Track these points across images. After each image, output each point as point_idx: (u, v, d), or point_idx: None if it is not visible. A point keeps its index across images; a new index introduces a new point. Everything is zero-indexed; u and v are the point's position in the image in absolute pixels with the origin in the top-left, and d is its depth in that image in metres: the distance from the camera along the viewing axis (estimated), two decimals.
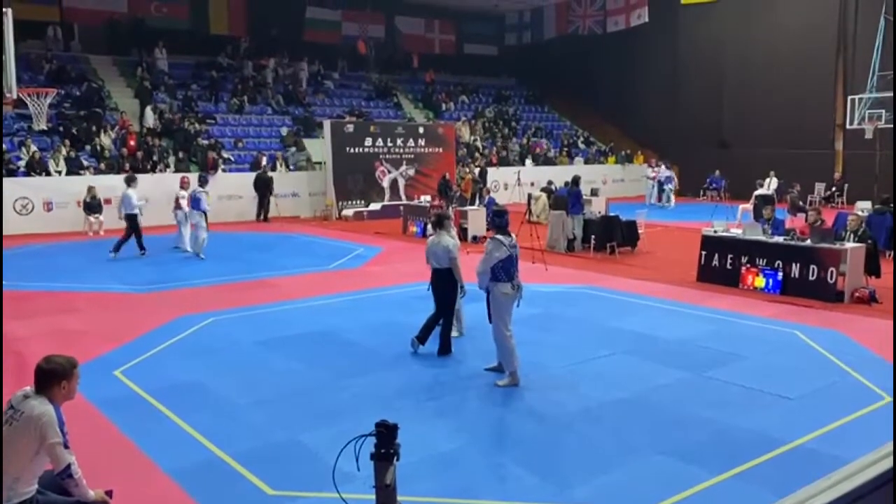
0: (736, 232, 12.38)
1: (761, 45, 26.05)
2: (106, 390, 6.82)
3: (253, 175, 21.51)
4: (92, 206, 17.94)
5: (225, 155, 22.39)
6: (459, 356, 8.00)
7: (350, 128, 22.77)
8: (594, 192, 20.70)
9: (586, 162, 29.49)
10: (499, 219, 7.31)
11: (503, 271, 6.97)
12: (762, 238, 11.67)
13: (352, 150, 22.39)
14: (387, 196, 22.96)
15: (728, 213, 17.64)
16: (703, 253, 12.24)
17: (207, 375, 7.38)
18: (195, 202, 14.54)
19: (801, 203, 19.95)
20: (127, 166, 20.10)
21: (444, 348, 8.02)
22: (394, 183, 23.30)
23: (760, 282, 11.33)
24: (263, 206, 21.24)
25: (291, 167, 23.05)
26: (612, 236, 15.02)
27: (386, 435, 3.36)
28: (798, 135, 24.70)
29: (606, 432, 5.99)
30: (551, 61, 33.19)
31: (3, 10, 10.78)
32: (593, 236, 15.14)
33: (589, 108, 33.18)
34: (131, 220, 14.47)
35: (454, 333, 8.62)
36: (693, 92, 28.52)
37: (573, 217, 15.47)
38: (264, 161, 22.29)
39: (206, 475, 5.22)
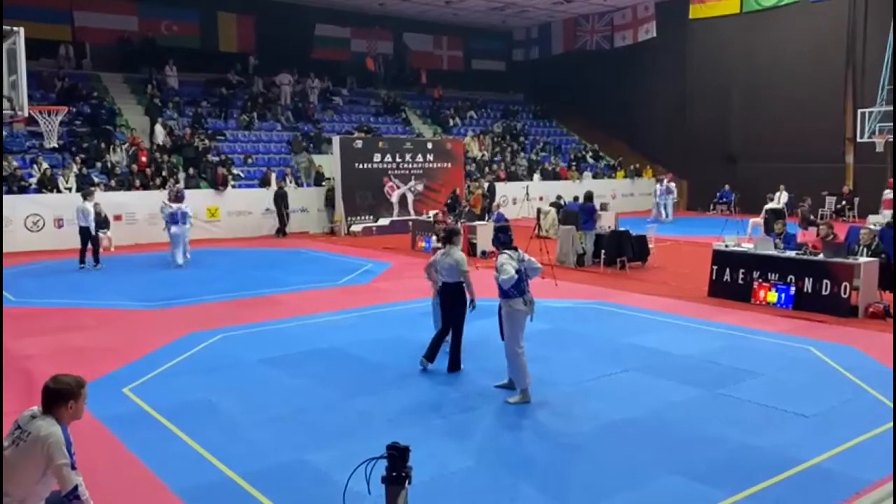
0: (747, 246, 12.29)
1: (770, 58, 26.02)
2: (115, 408, 6.79)
3: (263, 191, 21.64)
4: (98, 222, 17.92)
5: (235, 171, 22.49)
6: (468, 373, 7.94)
7: (359, 143, 22.83)
8: (603, 207, 20.55)
9: (595, 177, 29.46)
10: (503, 235, 7.30)
11: (514, 287, 6.94)
12: (774, 252, 11.59)
13: (360, 166, 22.44)
14: (395, 211, 22.98)
15: (738, 227, 17.56)
16: (715, 268, 12.16)
17: (216, 393, 7.34)
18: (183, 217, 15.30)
19: (812, 217, 19.82)
20: (137, 183, 20.20)
21: (454, 365, 7.96)
22: (402, 198, 23.32)
23: (773, 297, 11.23)
24: (282, 220, 21.59)
25: (304, 184, 23.10)
26: (622, 251, 14.95)
27: (398, 458, 3.31)
28: (808, 148, 24.60)
29: (618, 451, 5.91)
30: (559, 76, 33.25)
31: (16, 28, 10.88)
32: (603, 251, 15.07)
33: (597, 122, 33.19)
34: (83, 232, 15.15)
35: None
36: (702, 106, 28.49)
37: (585, 232, 15.42)
38: (273, 177, 22.38)
39: (216, 495, 5.18)
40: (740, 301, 11.47)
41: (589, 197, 15.80)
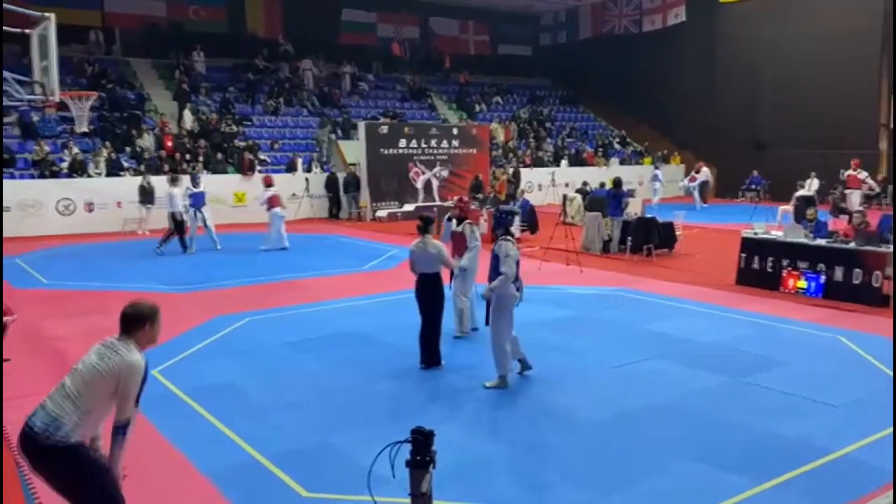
0: (777, 234, 12.12)
1: (801, 43, 25.50)
2: (145, 389, 6.89)
3: (289, 176, 21.83)
4: (147, 191, 18.15)
5: (261, 156, 22.64)
6: (489, 361, 7.91)
7: (384, 129, 22.84)
8: (630, 194, 20.43)
9: (622, 163, 29.19)
10: (507, 219, 7.25)
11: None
12: (804, 240, 11.42)
13: (386, 152, 22.46)
14: (420, 197, 22.98)
15: (768, 214, 17.31)
16: (743, 255, 12.01)
17: (242, 376, 7.44)
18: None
19: (843, 204, 19.46)
20: (166, 167, 20.42)
21: (434, 359, 7.60)
22: (427, 184, 23.31)
23: (802, 285, 11.07)
24: (336, 204, 22.45)
25: (326, 168, 23.23)
26: (648, 238, 14.82)
27: (422, 442, 3.32)
28: (840, 135, 24.10)
29: (642, 439, 5.88)
30: (586, 61, 32.90)
31: (47, 14, 11.01)
32: (629, 238, 14.95)
33: (624, 108, 32.83)
34: (174, 218, 15.11)
35: (457, 333, 8.63)
36: (731, 91, 28.04)
37: (612, 219, 15.30)
38: (300, 162, 22.54)
39: (242, 476, 5.25)
40: (769, 289, 11.33)
41: (617, 183, 15.67)
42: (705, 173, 26.34)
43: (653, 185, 25.70)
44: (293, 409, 6.58)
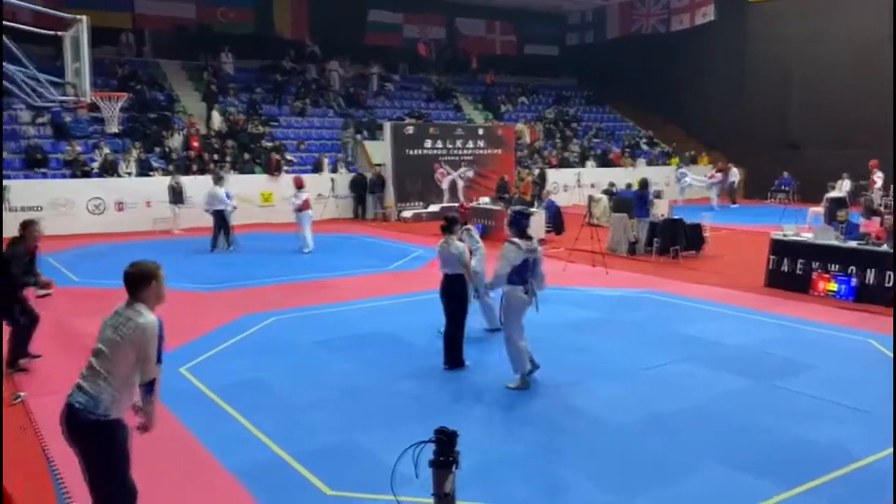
0: (807, 236, 11.94)
1: (832, 42, 25.07)
2: (171, 387, 6.95)
3: (315, 177, 21.96)
4: (176, 191, 18.44)
5: (288, 157, 22.82)
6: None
7: (410, 129, 22.89)
8: (657, 195, 20.24)
9: (649, 163, 28.95)
10: (521, 221, 7.08)
11: (516, 275, 6.85)
12: (835, 242, 11.23)
13: (411, 152, 22.50)
14: (446, 198, 22.99)
15: (797, 216, 17.05)
16: (772, 257, 11.85)
17: (268, 374, 7.51)
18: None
19: (875, 206, 19.11)
20: (194, 167, 20.66)
21: (456, 360, 7.61)
22: (453, 184, 23.31)
23: (833, 287, 10.89)
24: (362, 205, 22.53)
25: (352, 169, 23.34)
26: (675, 240, 14.68)
27: (445, 442, 3.32)
28: (873, 135, 23.64)
29: (668, 442, 5.83)
30: (613, 61, 32.67)
31: (80, 17, 11.21)
32: (656, 239, 14.82)
33: (652, 108, 32.56)
34: (218, 215, 15.50)
35: (486, 326, 8.70)
36: (761, 91, 27.66)
37: (638, 220, 15.18)
38: (326, 162, 22.68)
39: (267, 474, 5.30)
40: (798, 292, 11.16)
41: (644, 184, 15.55)
42: (734, 173, 26.04)
43: (678, 184, 25.47)
44: (318, 407, 6.62)
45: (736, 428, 6.08)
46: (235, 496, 4.99)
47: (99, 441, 3.86)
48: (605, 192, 21.23)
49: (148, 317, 3.91)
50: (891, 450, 5.53)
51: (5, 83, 11.24)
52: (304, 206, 15.54)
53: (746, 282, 12.07)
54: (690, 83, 29.86)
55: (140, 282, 4.00)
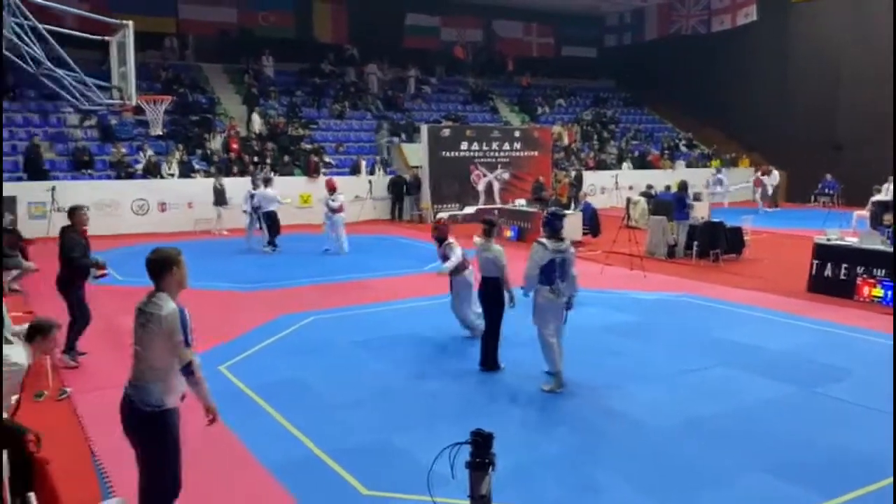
0: (851, 240, 11.68)
1: (878, 41, 24.43)
2: (211, 385, 7.04)
3: (352, 179, 22.17)
4: (220, 193, 18.83)
5: (326, 159, 23.05)
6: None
7: (446, 132, 22.93)
8: (697, 197, 20.02)
9: (688, 166, 28.56)
10: (554, 222, 7.11)
11: (543, 275, 6.90)
12: (881, 247, 10.97)
13: (447, 154, 22.53)
14: (481, 200, 22.98)
15: (842, 220, 16.68)
16: (815, 262, 11.62)
17: (306, 373, 7.60)
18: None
19: None
20: (235, 169, 20.99)
21: (491, 362, 7.64)
22: (489, 186, 23.28)
23: (878, 293, 10.63)
24: (399, 206, 22.62)
25: (390, 171, 23.48)
26: (715, 243, 14.47)
27: (482, 444, 3.34)
28: None
29: (707, 447, 5.76)
30: (652, 63, 32.32)
31: (126, 22, 11.50)
32: (696, 243, 14.63)
33: (691, 110, 32.11)
34: (269, 216, 15.71)
35: (465, 333, 8.71)
36: (804, 91, 27.09)
37: (677, 223, 15.00)
38: (364, 165, 22.86)
39: (304, 471, 5.37)
40: (842, 297, 10.92)
41: (683, 186, 15.37)
42: (775, 176, 25.56)
43: (714, 187, 25.06)
44: (355, 407, 6.68)
45: (776, 434, 5.98)
46: (273, 493, 5.07)
47: (153, 431, 4.02)
48: (644, 194, 21.02)
49: (168, 307, 4.00)
50: None
51: (55, 86, 11.59)
52: (340, 209, 15.65)
53: (788, 286, 11.84)
54: (731, 84, 29.38)
55: (162, 267, 4.10)
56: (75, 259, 7.67)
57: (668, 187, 20.27)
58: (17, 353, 4.59)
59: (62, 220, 17.55)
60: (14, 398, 4.73)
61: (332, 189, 15.95)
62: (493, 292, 7.64)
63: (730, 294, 11.49)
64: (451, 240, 8.95)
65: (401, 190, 22.63)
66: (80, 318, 7.82)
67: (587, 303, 10.00)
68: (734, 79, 29.27)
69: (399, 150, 24.39)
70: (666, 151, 29.48)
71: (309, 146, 23.22)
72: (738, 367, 7.74)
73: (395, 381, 7.41)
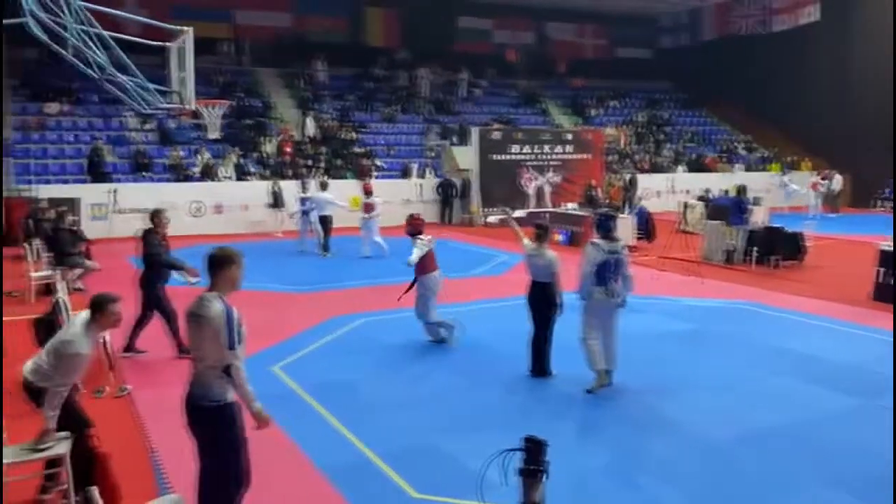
0: None
1: None
2: (264, 385, 7.13)
3: (402, 182, 22.29)
4: (276, 196, 19.23)
5: (377, 162, 23.23)
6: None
7: (496, 135, 22.86)
8: (756, 202, 19.49)
9: (747, 169, 27.88)
10: (606, 223, 7.15)
11: (596, 276, 6.91)
12: None
13: (497, 157, 22.45)
14: (532, 203, 22.83)
15: None
16: (880, 269, 11.19)
17: (356, 375, 7.64)
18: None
19: None
20: (290, 172, 21.32)
21: (541, 369, 7.55)
22: (539, 190, 23.12)
23: None
24: (448, 209, 22.52)
25: (439, 175, 23.53)
26: (774, 249, 14.06)
27: (535, 450, 3.28)
28: None
29: (766, 460, 5.57)
30: (709, 64, 31.63)
31: (185, 29, 11.79)
32: (755, 249, 14.23)
33: (750, 112, 31.35)
34: (324, 220, 15.74)
35: (444, 334, 8.66)
36: (868, 93, 26.15)
37: (735, 228, 14.64)
38: (414, 168, 22.96)
39: (354, 473, 5.39)
40: None
41: (741, 190, 15.00)
42: (837, 181, 24.77)
43: (784, 190, 24.41)
44: (404, 409, 6.68)
45: (838, 448, 5.76)
46: (323, 493, 5.10)
47: (216, 426, 4.12)
48: (700, 198, 20.59)
49: (214, 307, 4.07)
50: None
51: (117, 91, 11.94)
52: (368, 209, 15.64)
53: (851, 295, 11.43)
54: (792, 85, 28.57)
55: (221, 263, 4.19)
56: (158, 260, 7.96)
57: (725, 191, 19.82)
58: (80, 341, 4.69)
59: (122, 222, 18.13)
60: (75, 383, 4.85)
61: (368, 192, 16.03)
62: (543, 297, 7.56)
63: (790, 302, 11.15)
64: (423, 236, 8.94)
65: (449, 193, 22.64)
66: (166, 316, 8.06)
67: (641, 309, 9.82)
68: (795, 79, 28.47)
69: (449, 153, 24.40)
70: (723, 154, 28.84)
71: (360, 150, 23.43)
72: (797, 377, 7.49)
73: (444, 384, 7.39)
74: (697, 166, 27.53)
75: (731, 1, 29.94)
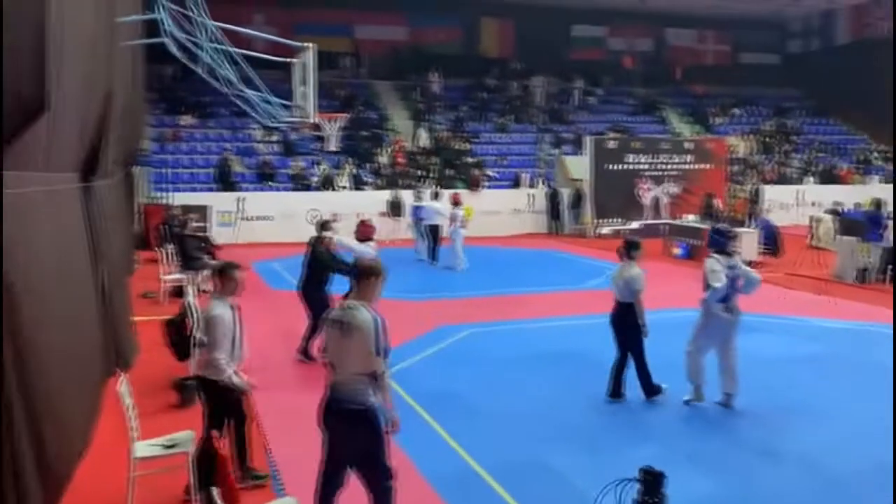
0: None
1: None
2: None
3: (513, 192, 22.28)
4: (395, 205, 19.76)
5: (489, 172, 23.31)
6: (718, 393, 7.35)
7: (612, 144, 22.39)
8: (894, 217, 18.12)
9: (884, 181, 25.95)
10: (718, 239, 6.99)
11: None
12: None
13: (612, 167, 21.96)
14: (648, 214, 22.18)
15: None
16: None
17: (464, 385, 7.65)
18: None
19: None
20: (400, 182, 21.76)
21: (650, 390, 7.20)
22: (655, 201, 22.43)
23: None
24: (557, 220, 22.33)
25: (551, 185, 23.32)
26: None
27: (652, 483, 3.16)
28: None
29: (889, 498, 5.11)
30: (842, 69, 29.70)
31: (308, 45, 12.27)
32: (891, 267, 13.20)
33: (888, 120, 29.16)
34: (433, 229, 15.99)
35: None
36: None
37: (870, 244, 13.64)
38: (525, 178, 22.87)
39: (461, 484, 5.39)
40: None
41: (877, 204, 13.97)
42: None
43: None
44: (511, 422, 6.63)
45: None
46: (429, 501, 5.11)
47: (365, 428, 4.26)
48: (830, 211, 19.34)
49: (363, 315, 4.23)
50: None
51: (244, 105, 12.57)
52: (454, 220, 15.59)
53: None
54: None
55: (370, 274, 4.41)
56: (338, 271, 8.34)
57: (858, 205, 18.54)
58: (215, 305, 5.07)
59: (248, 228, 19.00)
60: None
61: (456, 203, 16.03)
62: (627, 318, 7.19)
63: None
64: (372, 242, 8.94)
65: (555, 203, 22.27)
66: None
67: (766, 330, 9.35)
68: None
69: (561, 162, 24.11)
70: (858, 165, 26.99)
71: (471, 160, 23.59)
72: None
73: (552, 399, 7.27)
74: (829, 177, 25.90)
75: (868, 2, 28.03)
